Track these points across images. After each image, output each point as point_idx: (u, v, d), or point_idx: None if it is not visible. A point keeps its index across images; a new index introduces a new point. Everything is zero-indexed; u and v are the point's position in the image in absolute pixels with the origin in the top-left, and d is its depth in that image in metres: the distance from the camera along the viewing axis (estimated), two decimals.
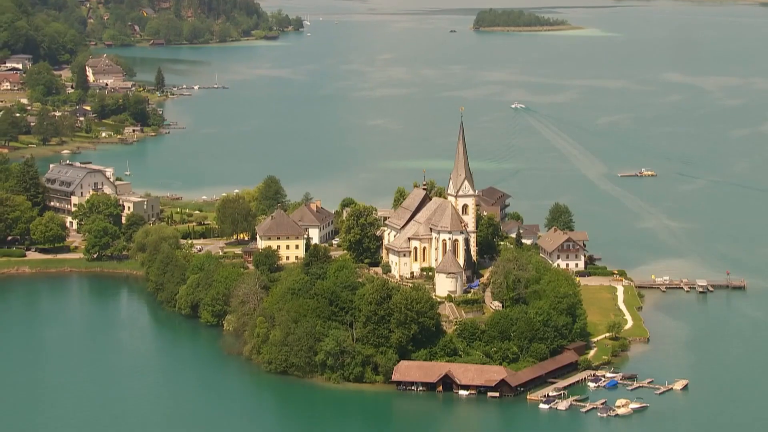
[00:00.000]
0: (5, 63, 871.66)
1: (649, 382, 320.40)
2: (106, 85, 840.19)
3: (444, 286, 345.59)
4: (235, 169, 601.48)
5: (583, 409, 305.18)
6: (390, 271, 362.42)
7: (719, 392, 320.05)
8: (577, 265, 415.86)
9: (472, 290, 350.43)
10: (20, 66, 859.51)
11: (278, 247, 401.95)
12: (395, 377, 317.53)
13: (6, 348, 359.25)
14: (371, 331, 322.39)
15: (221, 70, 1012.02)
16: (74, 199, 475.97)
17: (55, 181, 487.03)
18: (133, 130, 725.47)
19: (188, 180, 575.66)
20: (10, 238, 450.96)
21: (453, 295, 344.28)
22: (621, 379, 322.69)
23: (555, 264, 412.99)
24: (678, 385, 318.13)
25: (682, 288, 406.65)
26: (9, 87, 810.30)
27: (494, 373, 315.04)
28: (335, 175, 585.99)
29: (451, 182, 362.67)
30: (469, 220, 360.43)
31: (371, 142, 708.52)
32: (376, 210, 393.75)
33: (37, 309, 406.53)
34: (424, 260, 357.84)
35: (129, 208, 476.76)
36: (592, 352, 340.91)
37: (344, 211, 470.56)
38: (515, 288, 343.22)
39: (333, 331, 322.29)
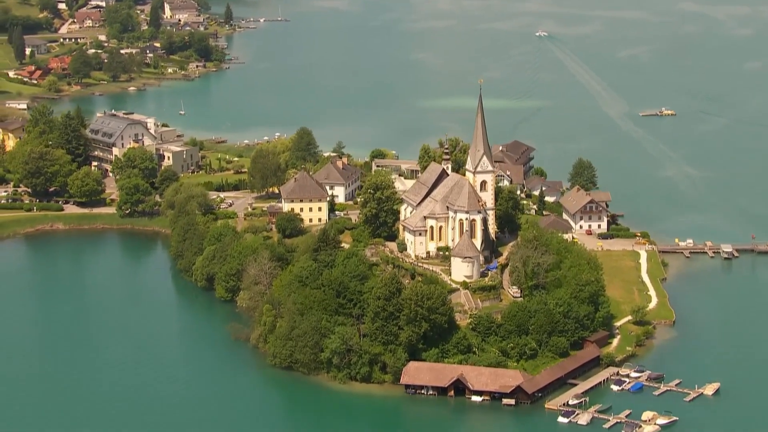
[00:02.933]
0: (91, 1, 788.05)
1: (677, 384, 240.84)
2: (179, 20, 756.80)
3: (460, 270, 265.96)
4: (280, 109, 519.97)
5: (606, 425, 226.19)
6: (405, 250, 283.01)
7: (754, 395, 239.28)
8: (599, 226, 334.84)
9: (489, 272, 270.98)
10: (103, 4, 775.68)
11: (301, 209, 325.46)
12: (404, 380, 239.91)
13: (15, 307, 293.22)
14: (379, 328, 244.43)
15: (285, 2, 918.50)
16: (115, 151, 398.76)
17: (98, 132, 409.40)
18: (196, 66, 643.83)
19: (237, 120, 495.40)
20: (52, 189, 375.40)
21: (469, 280, 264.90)
22: (647, 381, 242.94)
23: (577, 226, 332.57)
24: (709, 390, 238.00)
25: (706, 253, 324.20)
26: (91, 24, 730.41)
27: (510, 378, 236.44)
28: (372, 115, 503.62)
29: (469, 158, 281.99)
30: (488, 196, 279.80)
31: (410, 78, 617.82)
32: (393, 182, 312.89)
33: (58, 272, 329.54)
34: (440, 239, 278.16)
35: (168, 157, 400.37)
36: (615, 342, 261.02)
37: (373, 164, 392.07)
38: (534, 276, 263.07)
39: (339, 328, 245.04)
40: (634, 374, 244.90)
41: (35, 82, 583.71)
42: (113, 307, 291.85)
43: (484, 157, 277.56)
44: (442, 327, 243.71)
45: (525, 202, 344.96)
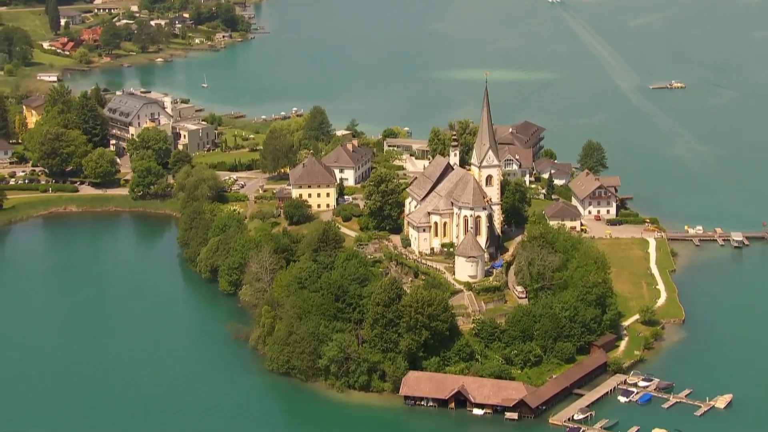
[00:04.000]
0: None
1: (687, 396, 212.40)
2: None
3: (464, 269, 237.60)
4: (300, 81, 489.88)
5: None
6: (409, 245, 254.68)
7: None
8: (608, 211, 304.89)
9: (495, 270, 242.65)
10: None
11: (309, 195, 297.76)
12: (404, 391, 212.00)
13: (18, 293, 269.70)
14: (379, 335, 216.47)
15: None
16: (131, 130, 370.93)
17: (116, 110, 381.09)
18: (223, 36, 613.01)
19: (257, 93, 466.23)
20: (69, 169, 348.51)
21: (473, 280, 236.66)
22: (655, 391, 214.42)
23: (586, 212, 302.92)
24: (721, 403, 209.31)
25: (716, 241, 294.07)
26: None
27: (513, 390, 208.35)
28: (389, 88, 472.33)
29: (474, 152, 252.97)
30: (494, 191, 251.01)
31: (427, 48, 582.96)
32: (398, 176, 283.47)
33: (66, 259, 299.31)
34: (444, 236, 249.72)
35: (184, 136, 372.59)
36: (622, 345, 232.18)
37: (384, 143, 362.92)
38: (540, 279, 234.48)
39: (337, 335, 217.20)
40: (642, 383, 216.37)
41: (67, 53, 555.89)
42: (116, 299, 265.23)
43: (490, 152, 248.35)
44: (443, 334, 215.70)
45: (534, 186, 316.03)
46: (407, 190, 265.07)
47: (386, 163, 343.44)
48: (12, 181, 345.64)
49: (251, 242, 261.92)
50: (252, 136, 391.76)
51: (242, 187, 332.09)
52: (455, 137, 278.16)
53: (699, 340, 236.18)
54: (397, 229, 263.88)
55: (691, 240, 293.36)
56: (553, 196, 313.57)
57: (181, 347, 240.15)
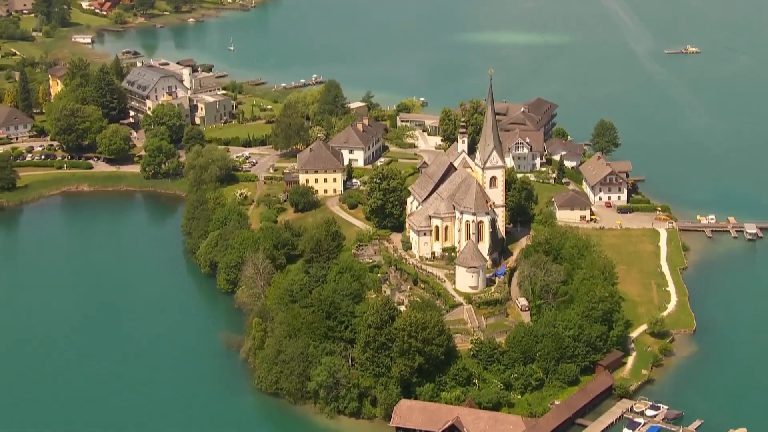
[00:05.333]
0: None
1: (697, 428, 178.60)
2: None
3: (464, 280, 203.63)
4: (324, 45, 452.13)
5: None
6: (410, 248, 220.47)
7: None
8: (619, 198, 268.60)
9: (497, 278, 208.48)
10: None
11: (316, 180, 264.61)
12: (395, 421, 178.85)
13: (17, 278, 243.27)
14: (370, 358, 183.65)
15: None
16: (149, 103, 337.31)
17: (134, 83, 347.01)
18: None
19: (280, 57, 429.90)
20: (86, 143, 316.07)
21: (474, 291, 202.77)
22: (663, 422, 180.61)
23: (597, 198, 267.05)
24: None
25: (728, 232, 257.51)
26: None
27: (510, 424, 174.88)
28: (408, 53, 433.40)
29: (478, 153, 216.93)
30: (498, 193, 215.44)
31: (450, 10, 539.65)
32: (400, 172, 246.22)
33: (71, 243, 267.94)
34: (446, 239, 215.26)
35: (201, 108, 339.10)
36: (629, 362, 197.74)
37: (398, 119, 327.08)
38: (542, 295, 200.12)
39: (326, 359, 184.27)
40: (649, 412, 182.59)
41: (104, 13, 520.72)
42: (113, 291, 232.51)
43: (494, 152, 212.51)
44: (438, 359, 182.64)
45: (544, 170, 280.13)
46: (410, 188, 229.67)
47: (398, 140, 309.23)
48: (29, 157, 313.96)
49: (249, 240, 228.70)
50: (270, 106, 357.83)
51: (254, 165, 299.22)
52: (464, 124, 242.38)
53: (711, 356, 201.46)
54: (400, 227, 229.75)
55: (703, 231, 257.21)
56: (563, 180, 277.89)
57: (171, 357, 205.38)
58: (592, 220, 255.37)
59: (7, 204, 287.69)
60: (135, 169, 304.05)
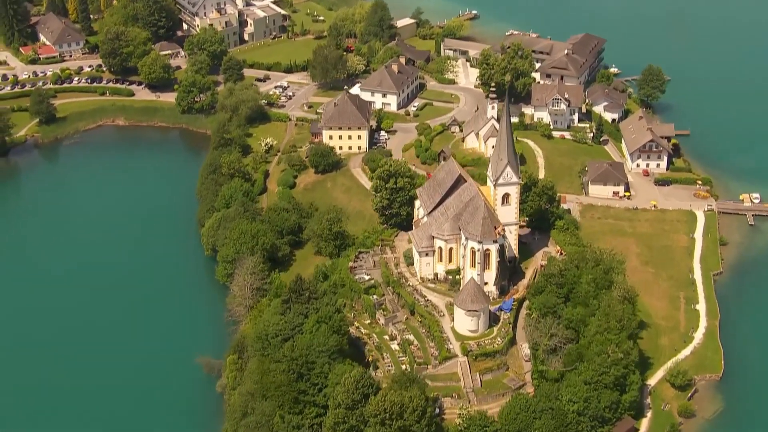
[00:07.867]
0: None
1: None
2: None
3: (463, 323, 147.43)
4: None
5: None
6: (412, 264, 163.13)
7: None
8: (658, 165, 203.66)
9: (502, 313, 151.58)
10: None
11: (340, 137, 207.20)
12: None
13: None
14: None
15: None
16: (197, 20, 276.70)
17: None
18: None
19: None
20: (131, 65, 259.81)
21: (473, 333, 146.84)
22: None
23: (634, 165, 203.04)
24: None
25: None
26: None
27: None
28: None
29: (490, 167, 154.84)
30: (511, 211, 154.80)
31: None
32: (409, 170, 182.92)
33: (88, 195, 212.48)
34: (450, 261, 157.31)
35: (250, 24, 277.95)
36: (643, 427, 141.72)
37: (442, 45, 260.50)
38: (545, 361, 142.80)
39: None
40: None
41: None
42: (111, 269, 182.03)
43: (508, 167, 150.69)
44: None
45: (583, 127, 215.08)
46: (416, 190, 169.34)
47: (438, 74, 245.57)
48: (75, 80, 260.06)
49: (246, 234, 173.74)
50: (322, 17, 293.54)
51: (290, 98, 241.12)
52: (494, 89, 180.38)
53: (738, 416, 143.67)
54: (408, 225, 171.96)
55: (745, 215, 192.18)
56: (602, 138, 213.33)
57: (148, 377, 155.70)
58: (625, 196, 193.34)
59: (42, 141, 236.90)
60: (172, 99, 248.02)
